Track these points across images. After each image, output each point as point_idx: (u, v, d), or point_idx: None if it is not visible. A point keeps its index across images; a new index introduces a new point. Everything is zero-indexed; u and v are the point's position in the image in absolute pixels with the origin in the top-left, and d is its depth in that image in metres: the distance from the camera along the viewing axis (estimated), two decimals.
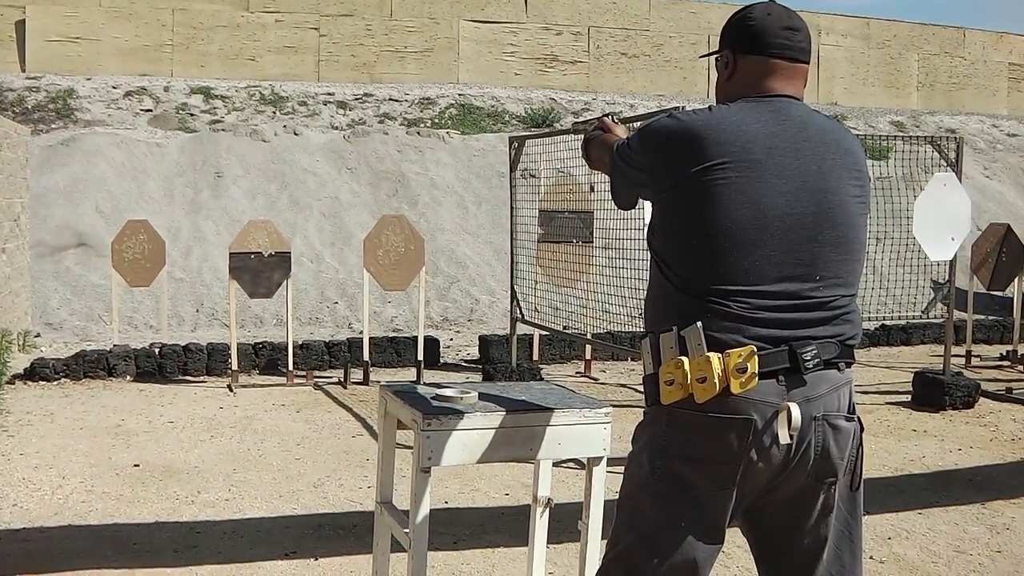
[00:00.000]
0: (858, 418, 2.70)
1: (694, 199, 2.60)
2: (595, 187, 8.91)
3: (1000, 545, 5.56)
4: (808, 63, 2.81)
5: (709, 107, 2.71)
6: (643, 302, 2.88)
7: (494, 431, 3.33)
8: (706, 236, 2.58)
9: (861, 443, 2.72)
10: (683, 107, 3.69)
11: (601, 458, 3.53)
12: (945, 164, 9.05)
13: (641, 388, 2.78)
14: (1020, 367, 10.99)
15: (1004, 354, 11.62)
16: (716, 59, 2.85)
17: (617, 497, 2.78)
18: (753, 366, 2.48)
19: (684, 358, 2.54)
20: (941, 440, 7.92)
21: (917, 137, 10.18)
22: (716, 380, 2.49)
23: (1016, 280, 11.53)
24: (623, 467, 2.79)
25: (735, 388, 2.49)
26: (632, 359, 10.91)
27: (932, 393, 8.89)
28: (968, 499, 6.35)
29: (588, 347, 10.61)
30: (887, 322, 12.12)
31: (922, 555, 5.37)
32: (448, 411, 3.32)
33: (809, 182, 2.62)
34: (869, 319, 10.31)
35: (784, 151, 2.61)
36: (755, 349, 2.50)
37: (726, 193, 2.56)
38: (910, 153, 9.90)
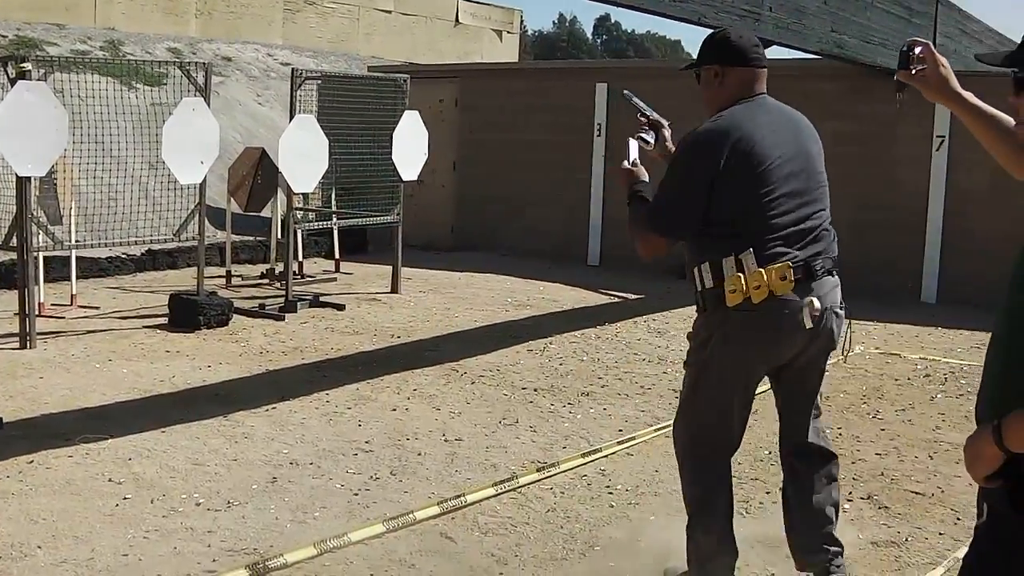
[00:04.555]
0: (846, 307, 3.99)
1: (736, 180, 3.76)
2: None
3: (237, 454, 5.88)
4: None
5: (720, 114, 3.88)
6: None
7: None
8: (750, 197, 3.74)
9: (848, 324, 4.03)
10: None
11: None
12: (194, 90, 9.24)
13: None
14: (276, 283, 11.48)
15: (264, 272, 12.10)
16: (697, 72, 3.97)
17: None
18: (790, 276, 3.68)
19: (741, 274, 3.68)
20: (193, 359, 8.11)
21: (180, 63, 10.21)
22: (765, 286, 3.66)
23: (272, 201, 12.03)
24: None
25: (777, 290, 3.67)
26: None
27: (187, 314, 9.06)
28: (212, 413, 6.59)
29: None
30: (153, 247, 12.02)
31: (161, 472, 5.53)
32: None
33: (797, 146, 3.84)
34: (138, 243, 10.31)
35: (781, 129, 3.85)
36: (791, 264, 3.67)
37: (758, 167, 3.74)
38: (184, 80, 9.88)
